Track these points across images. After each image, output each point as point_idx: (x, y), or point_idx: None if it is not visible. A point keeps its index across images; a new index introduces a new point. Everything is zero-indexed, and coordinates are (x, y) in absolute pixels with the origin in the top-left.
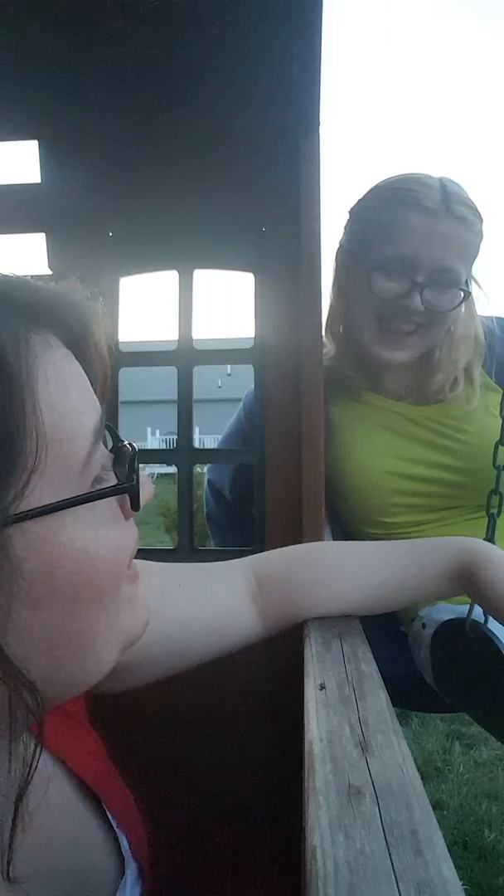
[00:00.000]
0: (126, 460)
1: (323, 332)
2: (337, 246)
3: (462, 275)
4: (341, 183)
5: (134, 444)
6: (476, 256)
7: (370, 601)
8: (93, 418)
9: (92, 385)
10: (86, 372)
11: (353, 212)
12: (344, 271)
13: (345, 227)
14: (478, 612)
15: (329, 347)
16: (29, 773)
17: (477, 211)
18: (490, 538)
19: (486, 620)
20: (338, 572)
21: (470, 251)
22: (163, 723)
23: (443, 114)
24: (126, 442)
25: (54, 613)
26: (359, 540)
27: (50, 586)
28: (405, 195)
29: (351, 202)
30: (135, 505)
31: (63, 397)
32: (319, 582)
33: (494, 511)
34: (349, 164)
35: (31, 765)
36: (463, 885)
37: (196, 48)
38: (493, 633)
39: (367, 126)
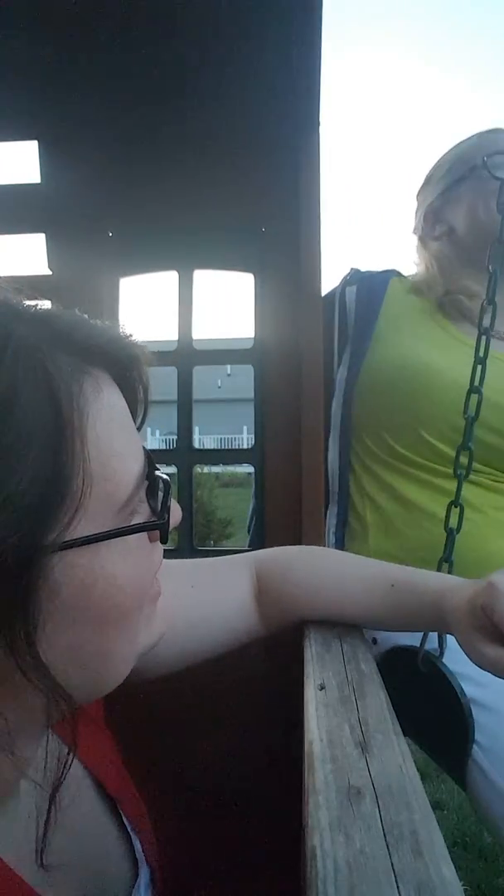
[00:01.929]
0: (159, 491)
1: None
2: (426, 205)
3: None
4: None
5: (168, 479)
6: None
7: (367, 615)
8: (138, 463)
9: (133, 415)
10: (129, 403)
11: (442, 161)
12: (454, 202)
13: (428, 186)
14: (433, 644)
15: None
16: (64, 771)
17: None
18: (456, 501)
19: (441, 654)
20: (336, 581)
21: None
22: (162, 723)
23: (443, 113)
24: (162, 474)
25: (83, 630)
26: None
27: (82, 607)
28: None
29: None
30: (164, 539)
31: (110, 440)
32: (317, 588)
33: (462, 471)
34: (349, 164)
35: (65, 762)
36: (463, 885)
37: (196, 49)
38: (447, 669)
39: (368, 126)
